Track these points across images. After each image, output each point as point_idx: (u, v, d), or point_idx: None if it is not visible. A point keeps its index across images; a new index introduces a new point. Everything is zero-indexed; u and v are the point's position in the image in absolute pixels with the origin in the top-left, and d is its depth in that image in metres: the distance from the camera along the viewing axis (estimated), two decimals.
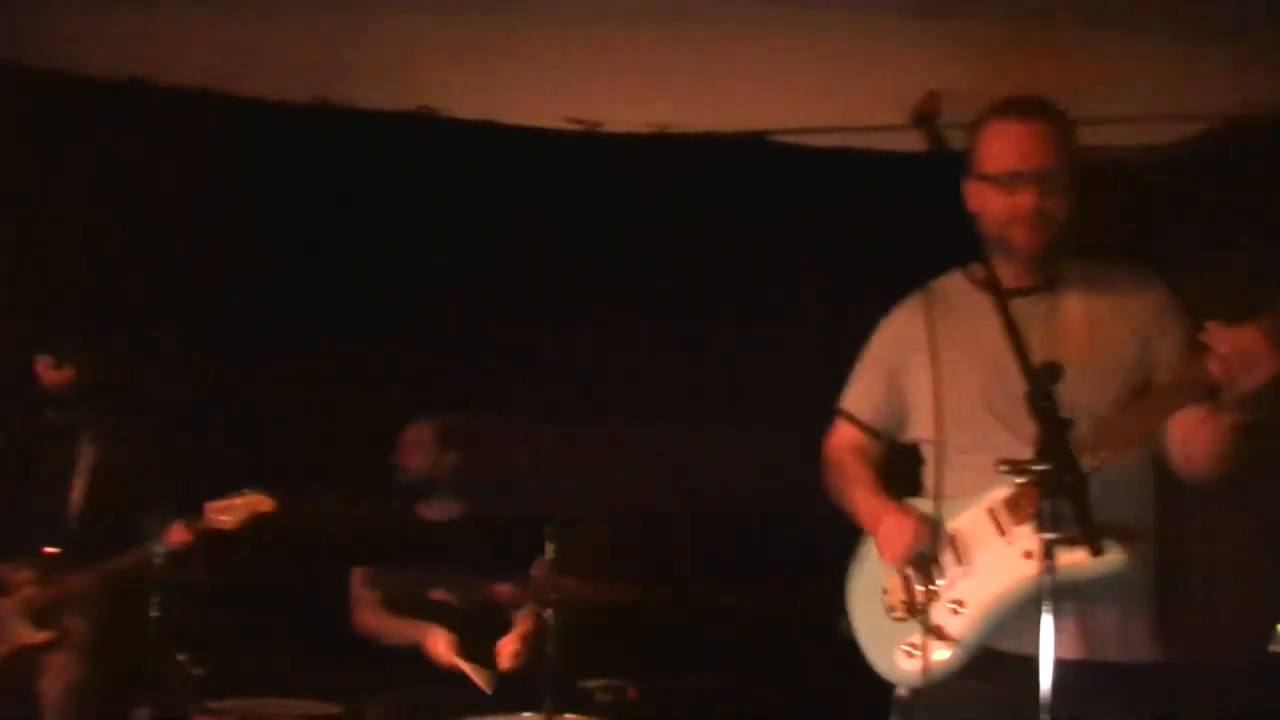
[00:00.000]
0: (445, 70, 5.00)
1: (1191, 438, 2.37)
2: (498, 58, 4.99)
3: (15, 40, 4.98)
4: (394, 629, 4.26)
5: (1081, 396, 2.37)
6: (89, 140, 4.65)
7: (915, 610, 2.43)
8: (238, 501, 4.13)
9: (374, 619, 4.31)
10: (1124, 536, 2.31)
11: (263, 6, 5.15)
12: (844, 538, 2.68)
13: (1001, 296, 2.10)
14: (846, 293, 4.32)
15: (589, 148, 4.86)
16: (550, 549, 3.58)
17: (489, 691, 3.96)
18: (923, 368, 2.46)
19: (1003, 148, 2.46)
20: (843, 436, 2.79)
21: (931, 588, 2.45)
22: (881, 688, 2.52)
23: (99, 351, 4.46)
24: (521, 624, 4.15)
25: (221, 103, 4.99)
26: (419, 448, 4.43)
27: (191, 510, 4.12)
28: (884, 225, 3.62)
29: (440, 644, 4.11)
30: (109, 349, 4.54)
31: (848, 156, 4.72)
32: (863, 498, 2.66)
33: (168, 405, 4.70)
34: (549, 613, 3.53)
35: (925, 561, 2.45)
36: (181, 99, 4.94)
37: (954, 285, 2.62)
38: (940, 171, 2.23)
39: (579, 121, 4.86)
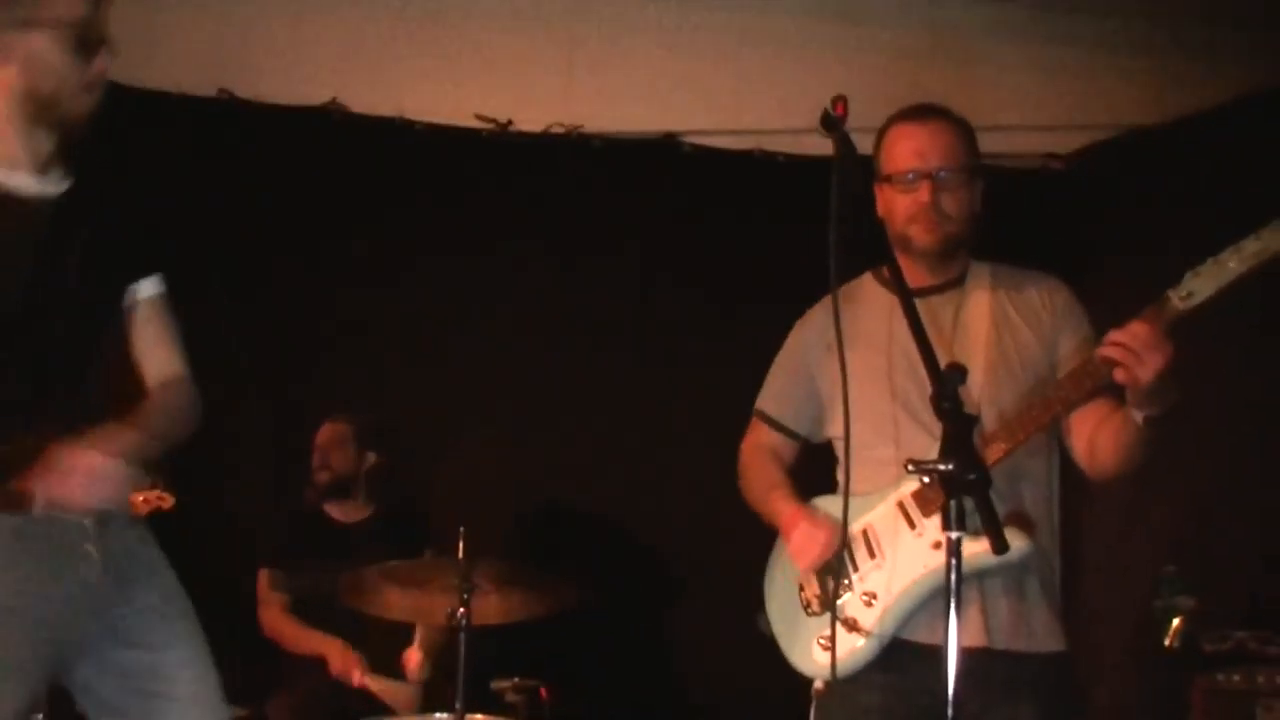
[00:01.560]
0: (354, 65, 4.94)
1: (1096, 435, 2.45)
2: (408, 54, 4.95)
3: None
4: (302, 639, 4.18)
5: (987, 394, 2.46)
6: None
7: (829, 605, 2.47)
8: (139, 499, 4.02)
9: (281, 622, 4.22)
10: (1027, 527, 2.38)
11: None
12: (759, 537, 2.71)
13: (907, 295, 2.14)
14: (757, 295, 4.37)
15: (498, 146, 4.83)
16: (461, 550, 3.54)
17: (401, 710, 3.93)
18: (834, 367, 2.51)
19: (901, 149, 2.56)
20: (759, 438, 2.82)
21: (845, 582, 2.49)
22: (800, 683, 2.56)
23: None
24: (423, 631, 4.12)
25: (121, 94, 4.86)
26: (340, 448, 4.34)
27: None
28: (796, 228, 3.64)
29: (351, 667, 4.05)
30: None
31: (758, 160, 4.76)
32: (776, 503, 2.69)
33: None
34: (461, 613, 3.49)
35: (838, 559, 2.48)
36: None
37: (865, 286, 2.68)
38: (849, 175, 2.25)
39: (488, 120, 4.84)
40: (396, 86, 4.90)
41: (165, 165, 4.78)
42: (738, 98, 4.83)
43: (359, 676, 4.05)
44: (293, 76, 4.92)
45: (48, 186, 2.19)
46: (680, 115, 4.80)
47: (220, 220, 4.77)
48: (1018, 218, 3.82)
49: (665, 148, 4.80)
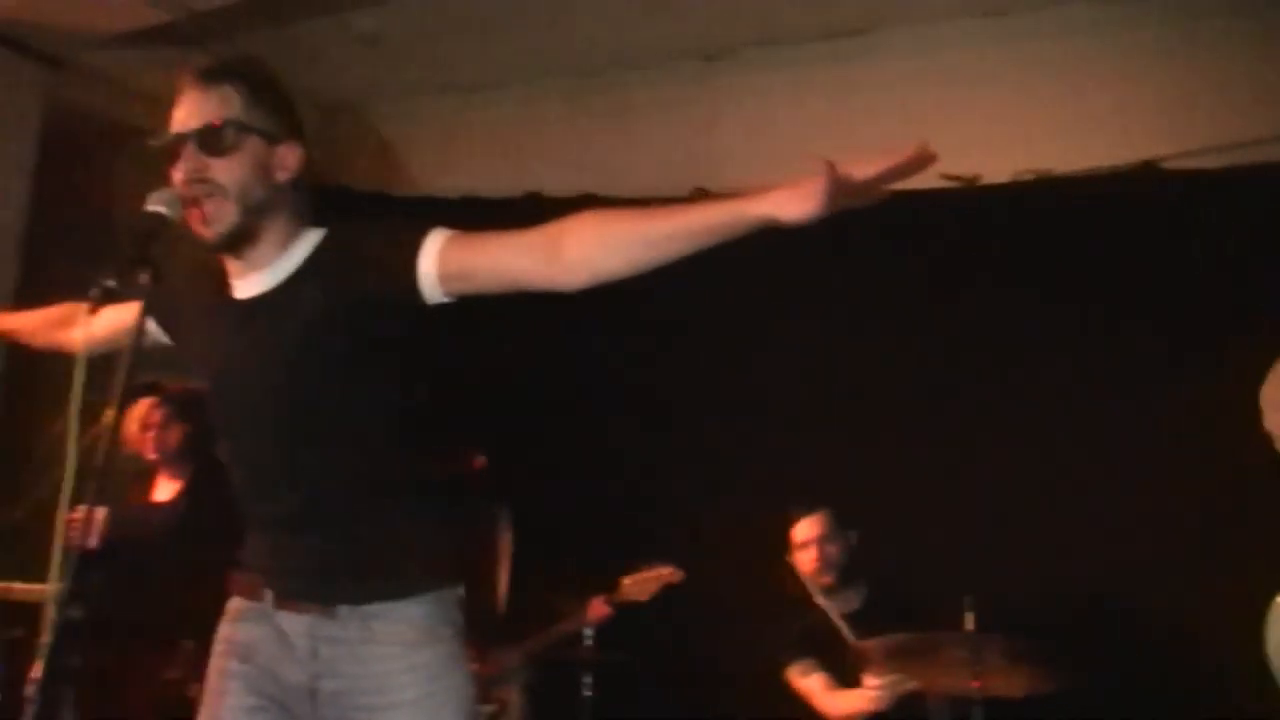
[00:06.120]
0: (821, 145, 5.03)
1: None
2: (867, 125, 5.01)
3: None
4: (840, 701, 4.02)
5: None
6: None
7: None
8: (650, 574, 4.26)
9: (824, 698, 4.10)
10: None
11: (634, 111, 5.48)
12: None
13: None
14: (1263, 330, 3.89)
15: (967, 202, 4.74)
16: (971, 619, 3.46)
17: None
18: None
19: None
20: None
21: None
22: None
23: (508, 440, 4.74)
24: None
25: (598, 204, 5.28)
26: (830, 541, 4.20)
27: (607, 585, 4.29)
28: None
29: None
30: (515, 437, 4.84)
31: (1251, 175, 4.26)
32: None
33: (567, 488, 4.93)
34: (976, 684, 3.41)
35: None
36: (566, 208, 5.28)
37: None
38: None
39: (955, 178, 4.77)
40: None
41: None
42: (1218, 111, 4.44)
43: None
44: (758, 167, 5.11)
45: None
46: (1155, 140, 4.48)
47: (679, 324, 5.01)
48: None
49: (1143, 176, 4.46)
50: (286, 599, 2.07)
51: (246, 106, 2.04)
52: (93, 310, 1.81)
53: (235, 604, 2.15)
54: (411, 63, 5.64)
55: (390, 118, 6.04)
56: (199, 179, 2.00)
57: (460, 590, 2.14)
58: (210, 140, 2.01)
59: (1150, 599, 4.11)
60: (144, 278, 1.85)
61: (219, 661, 2.12)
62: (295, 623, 2.06)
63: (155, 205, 1.94)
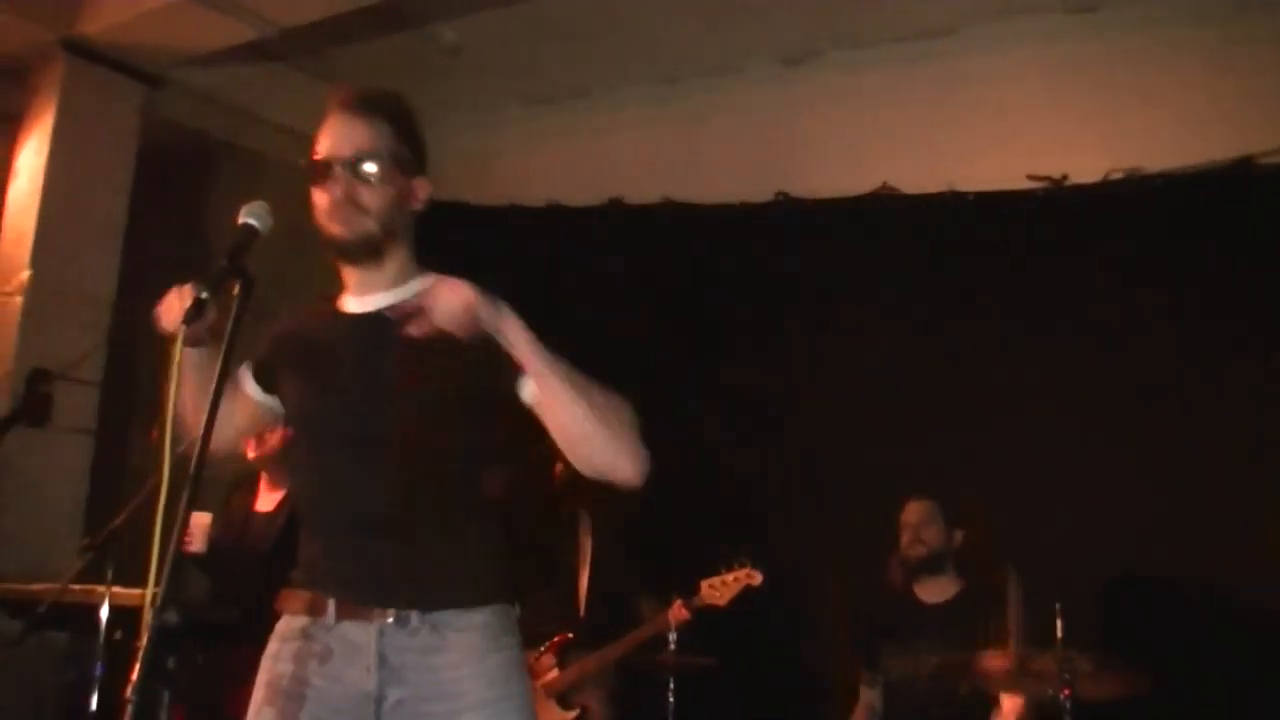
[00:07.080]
0: (901, 146, 5.02)
1: None
2: (951, 127, 4.95)
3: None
4: None
5: None
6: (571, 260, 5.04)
7: None
8: (729, 577, 4.25)
9: None
10: None
11: (715, 117, 5.47)
12: None
13: None
14: None
15: (1053, 203, 4.66)
16: (1060, 627, 3.40)
17: None
18: None
19: None
20: None
21: None
22: None
23: None
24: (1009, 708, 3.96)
25: (686, 211, 5.31)
26: (931, 524, 4.25)
27: (687, 588, 4.30)
28: None
29: None
30: None
31: None
32: None
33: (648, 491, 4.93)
34: (1065, 693, 3.35)
35: None
36: (648, 214, 5.33)
37: None
38: None
39: (1041, 178, 4.70)
40: (943, 161, 4.90)
41: (727, 270, 5.14)
42: None
43: None
44: (840, 170, 5.08)
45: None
46: (1251, 135, 4.36)
47: (796, 313, 5.00)
48: None
49: (1238, 173, 4.33)
50: (354, 607, 2.09)
51: (395, 140, 2.16)
52: (189, 321, 1.85)
53: (290, 620, 2.17)
54: (493, 74, 5.70)
55: (473, 128, 6.12)
56: (350, 202, 2.11)
57: (517, 610, 2.19)
58: (363, 168, 2.12)
59: (1245, 600, 4.03)
60: (236, 288, 1.89)
61: (279, 667, 2.14)
62: (361, 632, 2.08)
63: (247, 218, 1.99)
